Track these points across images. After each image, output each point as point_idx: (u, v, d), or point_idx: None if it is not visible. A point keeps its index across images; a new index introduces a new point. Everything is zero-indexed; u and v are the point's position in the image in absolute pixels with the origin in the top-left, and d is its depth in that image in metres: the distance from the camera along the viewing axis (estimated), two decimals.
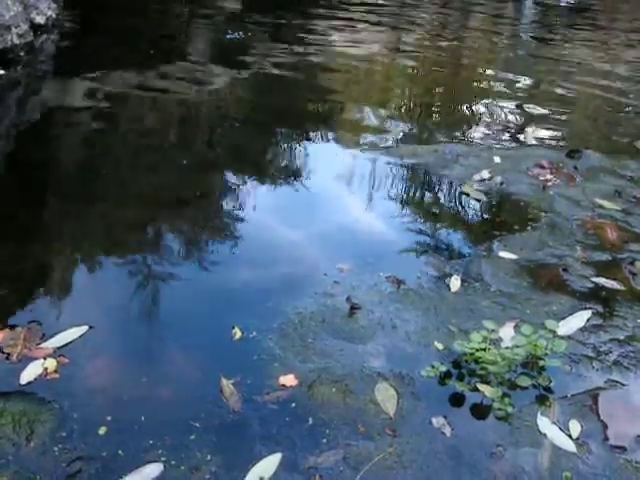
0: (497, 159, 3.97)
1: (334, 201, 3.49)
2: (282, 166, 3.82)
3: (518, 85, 5.76)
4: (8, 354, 2.13)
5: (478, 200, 3.50)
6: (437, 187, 3.67)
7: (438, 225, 3.30)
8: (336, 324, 2.42)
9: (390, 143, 4.24)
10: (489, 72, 6.17)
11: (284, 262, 2.83)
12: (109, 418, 1.93)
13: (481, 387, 2.10)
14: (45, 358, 2.11)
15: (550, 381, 2.21)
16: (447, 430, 2.01)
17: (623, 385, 2.25)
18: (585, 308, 2.61)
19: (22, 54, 4.76)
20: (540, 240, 3.10)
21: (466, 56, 6.82)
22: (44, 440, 1.85)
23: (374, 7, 8.28)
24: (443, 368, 2.20)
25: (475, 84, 5.80)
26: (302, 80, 5.30)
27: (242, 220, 3.17)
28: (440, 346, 2.33)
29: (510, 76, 5.98)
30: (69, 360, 2.13)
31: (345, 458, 1.88)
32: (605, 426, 2.07)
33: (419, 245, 3.05)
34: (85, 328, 2.26)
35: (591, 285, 2.78)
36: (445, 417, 2.05)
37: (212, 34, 6.54)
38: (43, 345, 2.18)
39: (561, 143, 4.50)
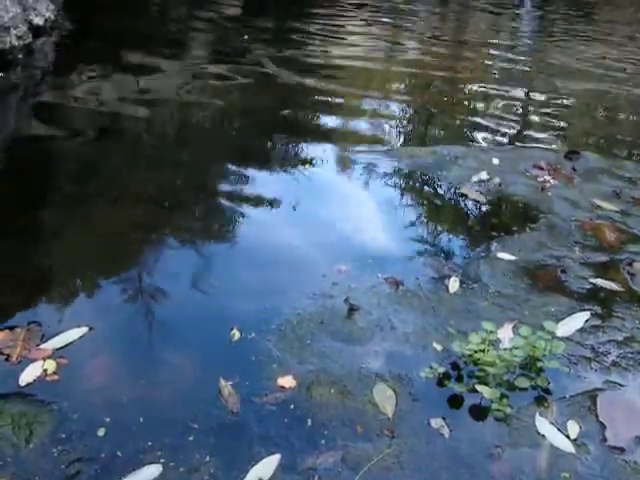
0: (495, 160, 3.97)
1: (332, 202, 3.49)
2: (281, 167, 3.82)
3: (517, 85, 5.77)
4: (7, 355, 2.13)
5: (476, 201, 3.50)
6: (435, 188, 3.67)
7: (436, 226, 3.31)
8: (335, 325, 2.42)
9: (389, 145, 4.25)
10: (488, 73, 6.17)
11: (282, 263, 2.83)
12: (108, 419, 1.93)
13: (480, 388, 2.10)
14: (44, 359, 2.12)
15: (549, 382, 2.22)
16: (445, 431, 2.01)
17: (621, 386, 2.26)
18: (583, 309, 2.61)
19: (21, 56, 4.76)
20: (538, 241, 3.11)
21: (465, 58, 6.82)
22: (43, 441, 1.85)
23: (373, 8, 8.29)
24: (442, 369, 2.20)
25: (474, 86, 5.79)
26: (300, 83, 5.30)
27: (241, 221, 3.17)
28: (439, 347, 2.34)
29: (509, 75, 5.99)
30: (68, 361, 2.13)
31: (344, 459, 1.88)
32: (603, 427, 2.07)
33: (417, 246, 3.05)
34: (85, 329, 2.27)
35: (589, 286, 2.79)
36: (443, 418, 2.05)
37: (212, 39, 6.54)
38: (42, 346, 2.18)
39: (559, 144, 4.51)
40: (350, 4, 8.29)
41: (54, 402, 1.97)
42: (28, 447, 1.83)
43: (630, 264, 2.96)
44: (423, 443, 1.97)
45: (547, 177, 3.80)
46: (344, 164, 3.93)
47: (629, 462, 1.96)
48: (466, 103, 5.35)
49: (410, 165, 3.86)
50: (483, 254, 2.98)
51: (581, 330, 2.49)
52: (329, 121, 4.62)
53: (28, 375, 2.06)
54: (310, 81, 5.23)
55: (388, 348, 2.34)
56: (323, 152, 4.04)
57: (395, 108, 5.11)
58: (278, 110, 4.62)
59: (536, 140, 4.58)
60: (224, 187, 3.53)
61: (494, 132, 4.64)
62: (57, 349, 2.17)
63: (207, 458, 1.85)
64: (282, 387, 2.11)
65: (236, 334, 2.32)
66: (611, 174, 3.93)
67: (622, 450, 2.00)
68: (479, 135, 4.55)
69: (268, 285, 2.64)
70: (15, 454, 1.81)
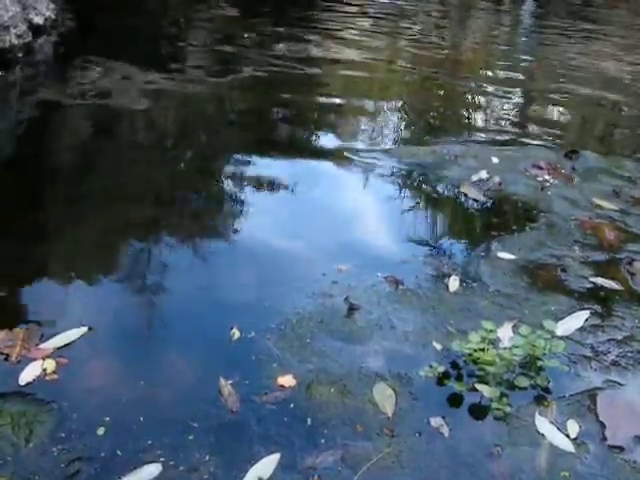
0: (495, 160, 3.97)
1: (333, 202, 3.49)
2: (280, 166, 3.81)
3: (516, 84, 5.76)
4: (7, 355, 2.13)
5: (476, 200, 3.50)
6: (435, 188, 3.67)
7: (436, 225, 3.31)
8: (334, 324, 2.42)
9: (389, 144, 4.25)
10: (487, 73, 6.17)
11: (282, 262, 2.83)
12: (108, 419, 1.93)
13: (479, 387, 2.11)
14: (44, 359, 2.12)
15: (548, 381, 2.22)
16: (445, 430, 2.01)
17: (621, 385, 2.26)
18: (583, 308, 2.61)
19: (20, 55, 4.76)
20: (538, 240, 3.11)
21: (465, 55, 6.82)
22: (43, 440, 1.85)
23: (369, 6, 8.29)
24: (441, 368, 2.20)
25: (473, 85, 5.79)
26: (300, 83, 5.30)
27: (241, 220, 3.17)
28: (438, 346, 2.34)
29: (508, 75, 5.99)
30: (68, 361, 2.13)
31: (343, 458, 1.88)
32: (603, 426, 2.07)
33: (417, 245, 3.05)
34: (84, 329, 2.26)
35: (589, 285, 2.79)
36: (443, 417, 2.05)
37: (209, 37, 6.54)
38: (42, 346, 2.18)
39: (559, 143, 4.51)
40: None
41: (54, 401, 1.97)
42: (28, 446, 1.83)
43: (630, 263, 2.96)
44: (423, 442, 1.97)
45: (547, 176, 3.80)
46: (344, 163, 3.92)
47: (628, 461, 1.96)
48: (466, 102, 5.34)
49: (410, 164, 3.85)
50: (483, 253, 2.98)
51: (581, 329, 2.49)
52: (329, 120, 4.62)
53: (28, 374, 2.05)
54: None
55: (388, 347, 2.34)
56: (322, 151, 4.04)
57: (395, 108, 5.11)
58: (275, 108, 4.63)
59: (536, 139, 4.58)
60: (223, 186, 3.53)
61: (494, 131, 4.64)
62: (57, 349, 2.17)
63: (207, 457, 1.85)
64: (282, 386, 2.11)
65: (236, 333, 2.32)
66: (611, 173, 3.93)
67: (622, 449, 2.00)
68: (479, 134, 4.55)
69: (268, 284, 2.64)
70: (15, 453, 1.81)
